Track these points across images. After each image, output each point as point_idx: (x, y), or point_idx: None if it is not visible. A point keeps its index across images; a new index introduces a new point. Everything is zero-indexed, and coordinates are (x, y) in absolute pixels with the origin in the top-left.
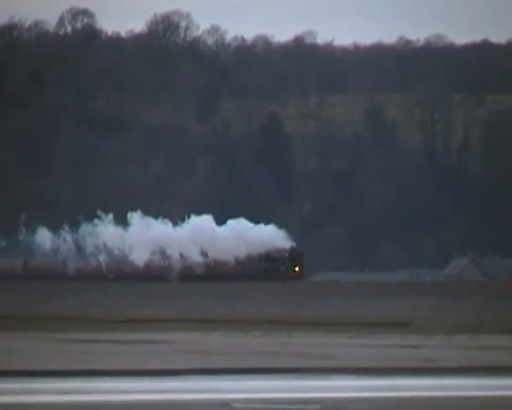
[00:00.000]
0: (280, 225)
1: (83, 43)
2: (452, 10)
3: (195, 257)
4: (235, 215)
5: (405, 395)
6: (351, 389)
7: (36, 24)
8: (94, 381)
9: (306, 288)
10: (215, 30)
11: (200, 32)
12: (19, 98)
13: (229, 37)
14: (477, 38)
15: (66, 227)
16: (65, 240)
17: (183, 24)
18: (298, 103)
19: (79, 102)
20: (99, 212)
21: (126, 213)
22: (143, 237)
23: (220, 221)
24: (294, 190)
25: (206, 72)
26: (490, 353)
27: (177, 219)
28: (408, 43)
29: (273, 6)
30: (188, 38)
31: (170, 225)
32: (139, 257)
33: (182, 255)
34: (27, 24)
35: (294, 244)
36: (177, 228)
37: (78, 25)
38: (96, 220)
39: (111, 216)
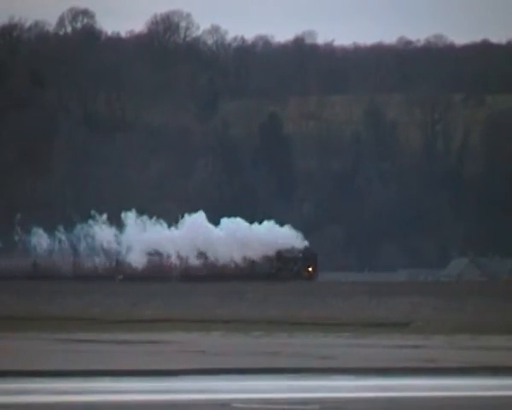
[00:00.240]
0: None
1: (83, 43)
2: (452, 11)
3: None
4: (235, 215)
5: (405, 395)
6: (351, 390)
7: (36, 24)
8: (94, 381)
9: (306, 288)
10: (215, 30)
11: (200, 32)
12: (19, 98)
13: (229, 37)
14: (477, 38)
15: (61, 228)
16: (60, 241)
17: (183, 24)
18: (298, 103)
19: (79, 103)
20: (101, 212)
21: (126, 213)
22: (149, 236)
23: (224, 221)
24: (294, 190)
25: (206, 72)
26: (490, 353)
27: (178, 219)
28: (408, 43)
29: (273, 6)
30: (188, 39)
31: (167, 225)
32: (141, 258)
33: (189, 257)
34: (27, 24)
35: (308, 244)
36: (180, 228)
37: (79, 25)
38: (97, 220)
39: (106, 216)
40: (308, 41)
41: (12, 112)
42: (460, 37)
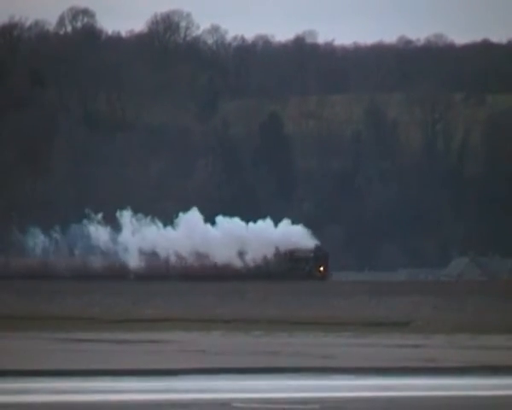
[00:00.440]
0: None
1: (83, 42)
2: (453, 10)
3: (227, 257)
4: (235, 215)
5: (405, 394)
6: (351, 389)
7: (36, 23)
8: (94, 380)
9: (306, 287)
10: (215, 30)
11: (200, 31)
12: (19, 98)
13: (229, 36)
14: (477, 37)
15: (57, 228)
16: (56, 241)
17: (183, 24)
18: (298, 103)
19: (79, 102)
20: (102, 212)
21: (122, 212)
22: (144, 236)
23: (220, 219)
24: (295, 189)
25: (206, 72)
26: (490, 353)
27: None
28: (408, 42)
29: (273, 6)
30: (188, 38)
31: (163, 224)
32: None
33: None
34: (28, 23)
35: (319, 243)
36: (177, 228)
37: (79, 24)
38: (92, 219)
39: (101, 215)
40: (308, 40)
41: (12, 111)
42: (460, 36)
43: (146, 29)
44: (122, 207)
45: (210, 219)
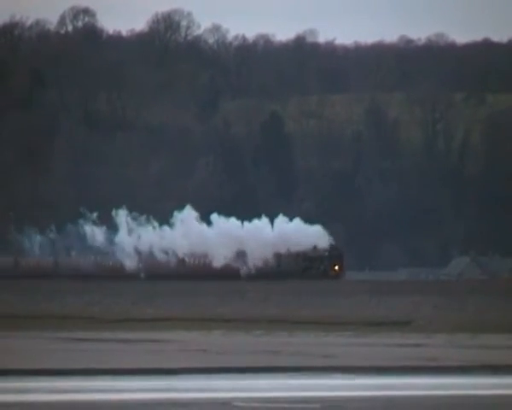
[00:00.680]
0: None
1: (84, 42)
2: (453, 9)
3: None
4: (236, 214)
5: (406, 393)
6: (351, 388)
7: (37, 23)
8: (94, 380)
9: (307, 287)
10: (216, 29)
11: (201, 31)
12: (19, 97)
13: (230, 36)
14: (478, 37)
15: (53, 228)
16: (52, 241)
17: (184, 23)
18: (299, 102)
19: (80, 101)
20: (102, 211)
21: (117, 211)
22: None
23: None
24: (295, 189)
25: (207, 71)
26: (491, 352)
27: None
28: (409, 42)
29: (274, 5)
30: (189, 37)
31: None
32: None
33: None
34: (28, 23)
35: (334, 243)
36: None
37: (80, 24)
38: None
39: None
40: (309, 40)
41: (13, 111)
42: (461, 35)
43: (147, 28)
44: (122, 207)
45: (210, 218)
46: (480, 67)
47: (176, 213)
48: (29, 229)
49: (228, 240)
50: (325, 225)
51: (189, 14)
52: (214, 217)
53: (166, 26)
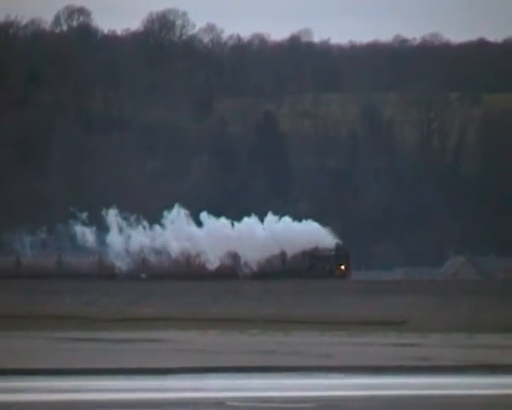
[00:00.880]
0: None
1: (79, 41)
2: (448, 9)
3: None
4: (233, 213)
5: (401, 393)
6: (347, 388)
7: (32, 22)
8: (92, 379)
9: (302, 286)
10: (211, 28)
11: (196, 30)
12: (14, 96)
13: (225, 35)
14: (473, 36)
15: (61, 226)
16: (44, 241)
17: (178, 22)
18: (294, 102)
19: (75, 101)
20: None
21: (107, 211)
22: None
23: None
24: (290, 188)
25: (202, 70)
26: (486, 351)
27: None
28: (404, 41)
29: (269, 4)
30: (184, 37)
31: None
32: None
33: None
34: (23, 22)
35: (340, 242)
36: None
37: (74, 23)
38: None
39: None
40: (304, 39)
41: (7, 110)
42: (456, 35)
43: (142, 28)
44: (119, 207)
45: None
46: (475, 66)
47: (165, 213)
48: (20, 228)
49: (223, 239)
50: (320, 223)
51: (184, 13)
52: (204, 216)
53: (161, 25)
